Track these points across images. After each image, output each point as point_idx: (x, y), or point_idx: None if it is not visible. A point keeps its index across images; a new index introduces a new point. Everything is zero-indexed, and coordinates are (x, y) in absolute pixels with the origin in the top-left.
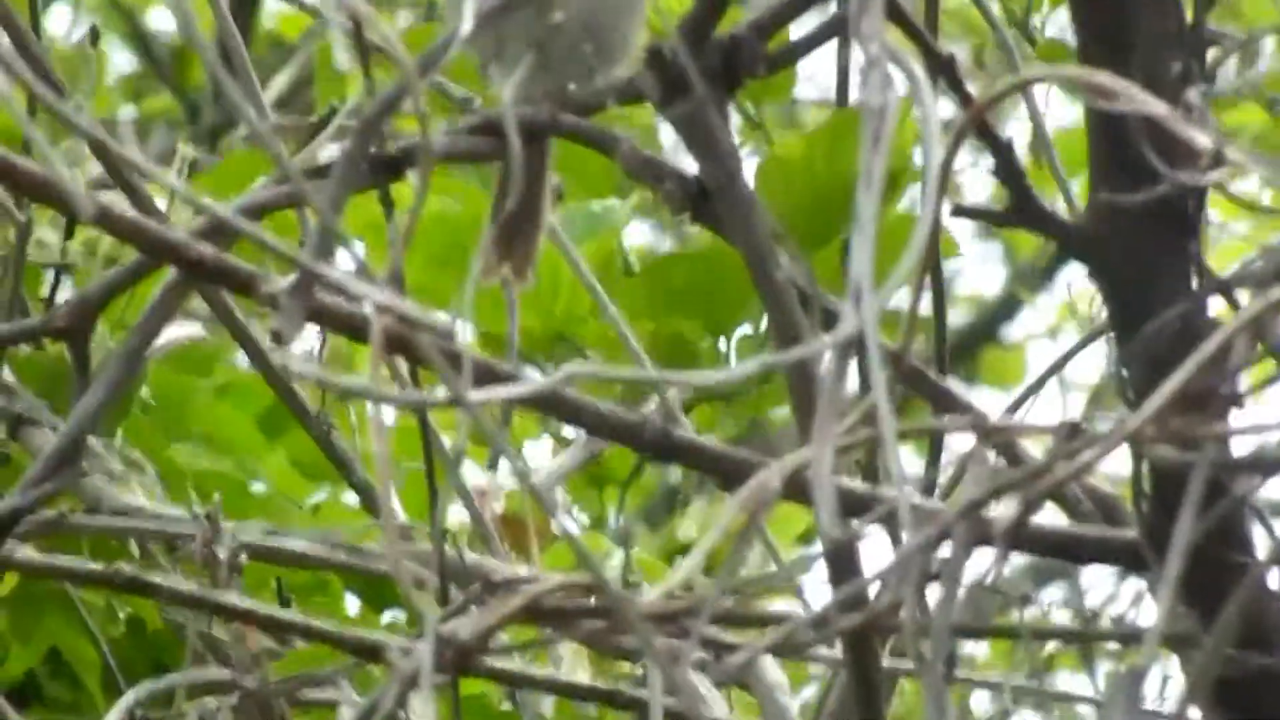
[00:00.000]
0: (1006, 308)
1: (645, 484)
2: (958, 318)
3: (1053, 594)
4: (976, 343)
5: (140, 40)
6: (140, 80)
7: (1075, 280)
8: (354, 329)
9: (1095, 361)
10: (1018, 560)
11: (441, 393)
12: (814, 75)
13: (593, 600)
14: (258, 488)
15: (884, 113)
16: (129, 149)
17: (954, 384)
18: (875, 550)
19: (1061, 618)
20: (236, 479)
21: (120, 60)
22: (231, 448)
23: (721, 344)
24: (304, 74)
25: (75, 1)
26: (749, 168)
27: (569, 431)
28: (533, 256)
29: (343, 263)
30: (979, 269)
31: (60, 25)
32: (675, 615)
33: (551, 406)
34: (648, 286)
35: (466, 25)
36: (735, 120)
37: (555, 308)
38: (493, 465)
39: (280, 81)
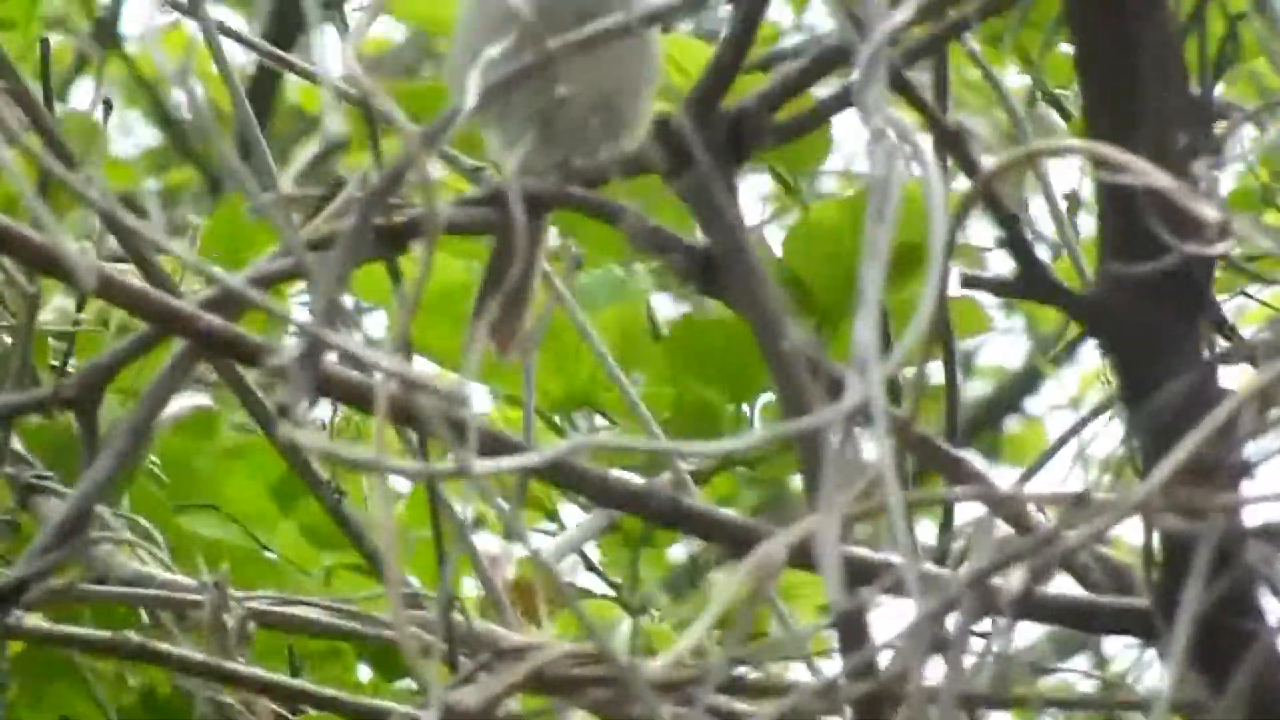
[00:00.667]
0: (1029, 380)
1: (671, 551)
2: (981, 390)
3: (1077, 663)
4: (999, 415)
5: (163, 114)
6: (164, 154)
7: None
8: (361, 399)
9: (1114, 432)
10: (1040, 630)
11: (448, 463)
12: (840, 143)
13: (600, 668)
14: (268, 556)
15: (888, 184)
16: (138, 219)
17: (968, 454)
18: (888, 617)
19: (1083, 688)
20: (246, 547)
21: (145, 134)
22: (242, 515)
23: (745, 409)
24: (324, 150)
25: (97, 75)
26: (779, 234)
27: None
28: (521, 330)
29: (350, 336)
30: (1002, 341)
31: (84, 100)
32: (682, 684)
33: (559, 476)
34: (671, 352)
35: (470, 99)
36: (769, 186)
37: (578, 371)
38: (507, 533)
39: (303, 155)
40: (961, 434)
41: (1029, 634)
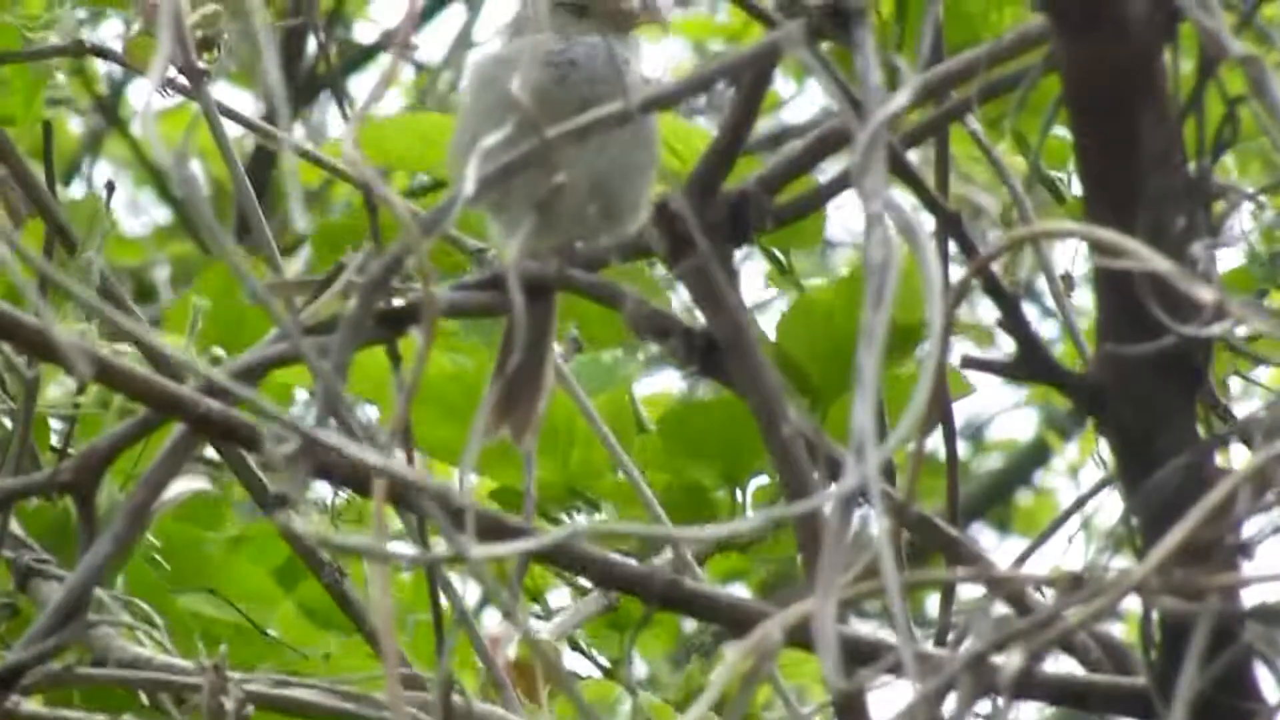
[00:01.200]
0: (1039, 453)
1: (671, 629)
2: (992, 463)
3: None
4: (1010, 489)
5: (167, 192)
6: (175, 230)
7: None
8: (360, 484)
9: (1115, 508)
10: (1046, 711)
11: (446, 549)
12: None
13: None
14: (270, 636)
15: (886, 269)
16: (142, 300)
17: (975, 529)
18: (890, 698)
19: None
20: (248, 628)
21: (157, 213)
22: (245, 598)
23: (737, 494)
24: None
25: (93, 155)
26: (777, 314)
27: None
28: (534, 416)
29: (349, 422)
30: (1013, 415)
31: (94, 180)
32: None
33: (560, 559)
34: (663, 436)
35: (469, 187)
36: (764, 266)
37: (570, 460)
38: (505, 614)
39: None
40: (973, 507)
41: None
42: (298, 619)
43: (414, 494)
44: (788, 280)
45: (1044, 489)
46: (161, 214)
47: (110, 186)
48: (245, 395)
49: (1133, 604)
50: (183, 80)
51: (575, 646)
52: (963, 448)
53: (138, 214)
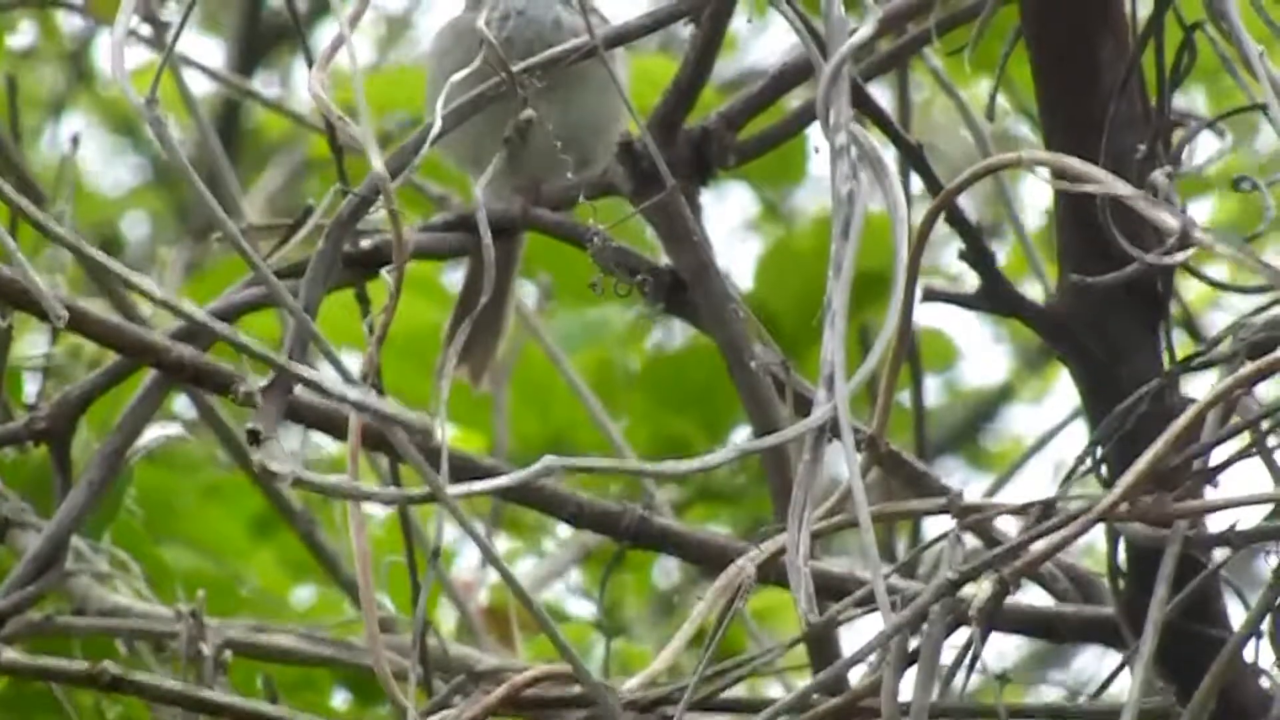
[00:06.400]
0: (1008, 392)
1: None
2: (965, 410)
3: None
4: (979, 428)
5: (141, 142)
6: (147, 189)
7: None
8: (333, 426)
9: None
10: (1029, 646)
11: (420, 489)
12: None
13: (575, 689)
14: (244, 587)
15: (853, 201)
16: (111, 254)
17: (948, 465)
18: (862, 632)
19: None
20: (224, 578)
21: (124, 173)
22: (219, 548)
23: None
24: (292, 172)
25: (55, 112)
26: (757, 252)
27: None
28: (490, 359)
29: (324, 362)
30: (986, 356)
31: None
32: (654, 703)
33: (531, 499)
34: (643, 389)
35: (435, 125)
36: (753, 205)
37: (553, 412)
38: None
39: (269, 179)
40: (941, 449)
41: (1013, 648)
42: (275, 569)
43: (389, 430)
44: (772, 219)
45: (1013, 433)
46: (131, 172)
47: (75, 139)
48: (220, 330)
49: (1100, 537)
50: (146, 31)
51: (573, 590)
52: (936, 394)
53: (108, 171)
